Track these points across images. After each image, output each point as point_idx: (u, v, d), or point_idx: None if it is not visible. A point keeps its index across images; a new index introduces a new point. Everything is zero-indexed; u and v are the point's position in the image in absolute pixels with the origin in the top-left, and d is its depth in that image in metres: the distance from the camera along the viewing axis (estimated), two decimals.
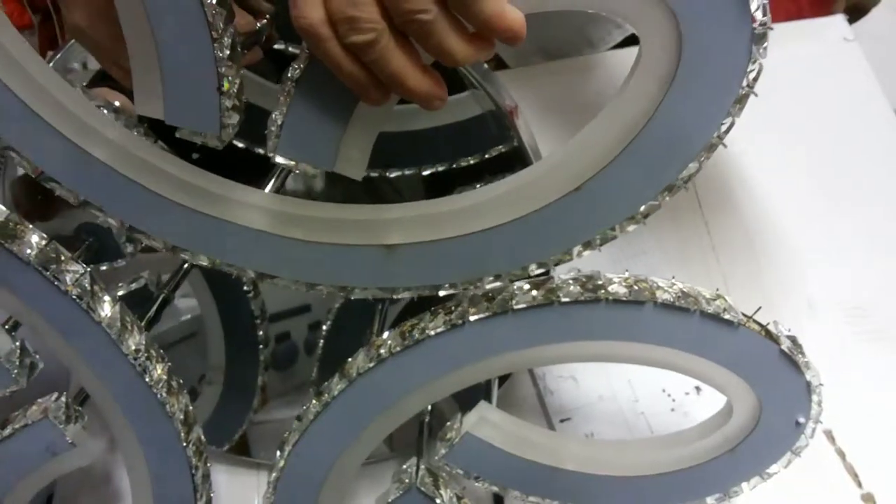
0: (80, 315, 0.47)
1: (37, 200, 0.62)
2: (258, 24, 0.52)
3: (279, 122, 0.43)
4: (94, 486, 0.68)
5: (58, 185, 0.47)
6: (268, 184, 0.56)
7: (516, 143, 0.65)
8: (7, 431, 0.51)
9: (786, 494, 0.63)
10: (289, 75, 0.42)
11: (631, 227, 0.47)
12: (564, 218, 0.46)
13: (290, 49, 0.61)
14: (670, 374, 0.53)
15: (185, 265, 0.61)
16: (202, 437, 0.54)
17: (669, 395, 0.75)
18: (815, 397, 0.53)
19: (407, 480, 0.57)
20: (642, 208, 0.46)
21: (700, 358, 0.51)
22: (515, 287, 0.50)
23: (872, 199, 0.85)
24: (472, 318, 0.50)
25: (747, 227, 0.81)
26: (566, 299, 0.49)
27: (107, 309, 0.48)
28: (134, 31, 0.40)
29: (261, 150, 0.70)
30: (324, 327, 0.80)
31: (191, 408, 0.53)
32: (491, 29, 0.38)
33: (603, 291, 0.49)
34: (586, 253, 0.48)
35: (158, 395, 0.50)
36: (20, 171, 0.62)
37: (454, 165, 0.71)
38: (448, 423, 0.57)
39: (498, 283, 0.50)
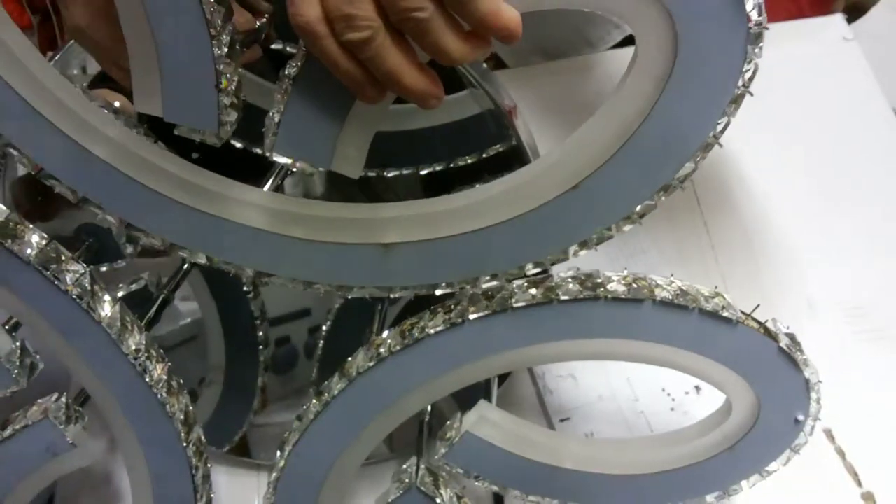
0: (81, 315, 0.48)
1: (37, 201, 0.62)
2: (257, 23, 0.53)
3: (276, 119, 0.44)
4: (94, 487, 0.68)
5: (57, 182, 0.47)
6: (266, 183, 0.56)
7: (515, 142, 0.65)
8: (7, 432, 0.51)
9: (785, 493, 0.63)
10: (286, 73, 0.42)
11: (627, 227, 0.47)
12: (561, 217, 0.47)
13: (289, 49, 0.61)
14: (670, 374, 0.53)
15: (185, 266, 0.62)
16: (202, 437, 0.54)
17: (669, 395, 0.75)
18: (813, 395, 0.53)
19: (407, 480, 0.57)
20: (638, 208, 0.46)
21: (699, 356, 0.51)
22: (515, 285, 0.50)
23: (872, 199, 0.85)
24: (471, 317, 0.50)
25: (746, 227, 0.81)
26: (565, 297, 0.49)
27: (107, 309, 0.48)
28: (133, 28, 0.41)
29: (259, 150, 0.70)
30: (323, 328, 0.80)
31: (191, 408, 0.53)
32: (486, 27, 0.38)
33: (602, 290, 0.49)
34: (583, 252, 0.48)
35: (158, 395, 0.50)
36: (20, 172, 0.62)
37: (452, 165, 0.71)
38: (448, 423, 0.58)
39: (495, 283, 0.50)
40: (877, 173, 0.85)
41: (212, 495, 0.56)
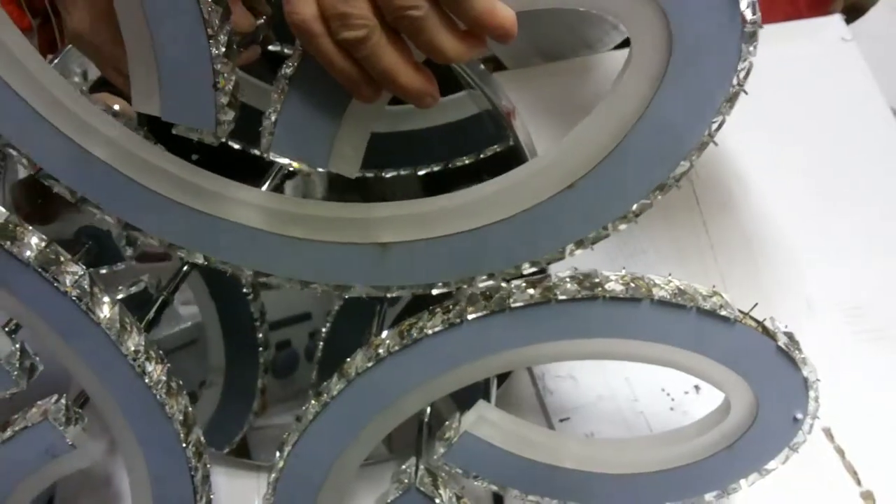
0: (80, 316, 0.48)
1: (37, 204, 0.62)
2: (256, 23, 0.53)
3: (273, 119, 0.44)
4: (94, 488, 0.68)
5: (56, 182, 0.47)
6: (264, 184, 0.57)
7: (513, 143, 0.65)
8: (7, 434, 0.51)
9: (784, 492, 0.63)
10: (282, 73, 0.42)
11: (623, 226, 0.47)
12: (556, 217, 0.47)
13: (286, 51, 0.61)
14: (669, 373, 0.53)
15: (185, 267, 0.62)
16: (202, 438, 0.54)
17: (668, 395, 0.75)
18: (811, 393, 0.53)
19: (406, 480, 0.57)
20: (634, 207, 0.46)
21: (697, 354, 0.51)
22: (513, 285, 0.50)
23: (871, 199, 0.85)
24: (469, 317, 0.50)
25: (745, 227, 0.81)
26: (563, 297, 0.49)
27: (106, 310, 0.49)
28: (132, 30, 0.41)
29: (257, 152, 0.70)
30: (323, 330, 0.80)
31: (190, 409, 0.53)
32: (481, 26, 0.38)
33: (600, 289, 0.49)
34: (580, 252, 0.48)
35: (158, 396, 0.50)
36: (20, 175, 0.62)
37: (450, 165, 0.71)
38: (447, 423, 0.57)
39: (491, 282, 0.50)
40: (875, 173, 0.85)
41: (211, 496, 0.56)
